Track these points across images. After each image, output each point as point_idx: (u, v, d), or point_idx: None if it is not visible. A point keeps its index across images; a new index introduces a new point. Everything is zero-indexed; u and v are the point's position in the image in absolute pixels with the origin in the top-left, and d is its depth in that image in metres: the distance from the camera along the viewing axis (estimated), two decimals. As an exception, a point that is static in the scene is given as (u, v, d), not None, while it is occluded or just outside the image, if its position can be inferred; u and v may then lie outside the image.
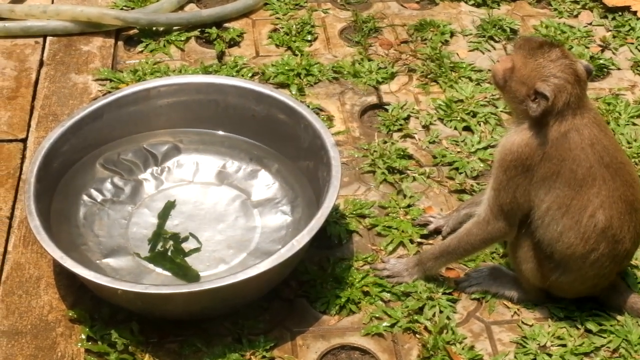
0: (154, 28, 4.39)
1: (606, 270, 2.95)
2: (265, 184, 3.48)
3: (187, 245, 3.26)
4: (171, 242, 3.25)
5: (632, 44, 4.41)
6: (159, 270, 3.16)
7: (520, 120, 2.91)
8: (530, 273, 3.03)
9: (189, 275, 3.14)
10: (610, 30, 4.52)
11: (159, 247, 3.24)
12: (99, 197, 3.40)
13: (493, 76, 2.97)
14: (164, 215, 3.34)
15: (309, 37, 4.40)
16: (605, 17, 4.61)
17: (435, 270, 3.16)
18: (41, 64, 4.17)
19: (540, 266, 2.99)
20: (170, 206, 3.38)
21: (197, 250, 3.24)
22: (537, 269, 3.01)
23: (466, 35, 4.46)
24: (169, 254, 3.21)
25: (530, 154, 2.84)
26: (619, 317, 3.08)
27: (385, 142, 3.76)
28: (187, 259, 3.21)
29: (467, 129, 3.87)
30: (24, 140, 3.73)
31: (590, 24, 4.57)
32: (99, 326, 2.99)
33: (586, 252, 2.89)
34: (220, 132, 3.60)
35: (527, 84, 2.83)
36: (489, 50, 4.35)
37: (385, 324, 3.06)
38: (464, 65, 4.20)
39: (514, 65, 2.88)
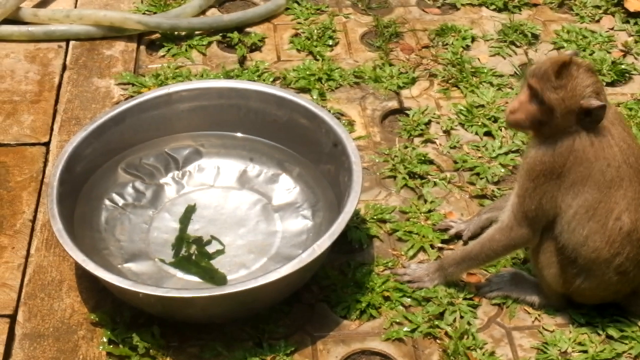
0: (176, 32, 4.41)
1: (629, 275, 2.94)
2: (286, 188, 3.49)
3: (210, 249, 3.27)
4: (194, 246, 3.26)
5: (655, 49, 4.41)
6: (180, 274, 3.18)
7: (553, 137, 2.86)
8: (552, 279, 3.02)
9: (216, 278, 3.15)
10: (632, 35, 4.50)
11: (182, 251, 3.25)
12: (121, 202, 3.42)
13: (516, 124, 2.92)
14: (185, 219, 3.36)
15: (330, 42, 4.40)
16: (627, 22, 4.59)
17: (457, 275, 3.16)
18: (64, 68, 4.20)
19: (564, 272, 2.98)
20: (191, 210, 3.39)
21: (221, 252, 3.25)
22: (559, 275, 2.99)
23: (487, 40, 4.45)
24: (194, 258, 3.22)
25: (563, 161, 2.82)
26: (640, 324, 3.08)
27: (406, 147, 3.76)
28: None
29: (488, 134, 3.86)
30: (46, 144, 3.76)
31: (612, 29, 4.56)
32: (120, 329, 3.00)
33: (611, 256, 2.88)
34: (242, 136, 3.61)
35: (573, 110, 2.78)
36: (510, 56, 4.35)
37: (405, 329, 3.06)
38: (485, 70, 4.20)
39: (552, 106, 2.80)
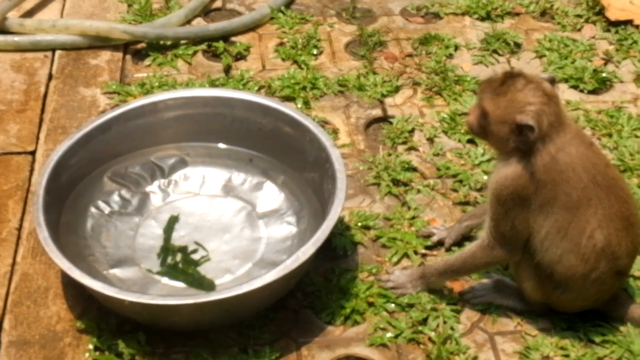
0: (162, 42, 4.43)
1: (606, 286, 2.98)
2: (271, 196, 3.51)
3: (195, 256, 3.29)
4: (180, 255, 3.28)
5: (635, 57, 4.45)
6: (165, 280, 3.19)
7: (507, 155, 2.89)
8: (531, 291, 3.07)
9: (205, 284, 3.17)
10: (613, 44, 4.55)
11: (169, 260, 3.27)
12: (107, 209, 3.44)
13: (470, 128, 2.99)
14: (168, 229, 3.37)
15: (315, 51, 4.44)
16: (608, 30, 4.64)
17: (438, 284, 3.19)
18: (50, 77, 4.22)
19: (542, 285, 3.01)
20: (174, 220, 3.41)
21: (207, 259, 3.27)
22: (538, 287, 3.03)
23: (470, 49, 4.49)
24: (180, 266, 3.24)
25: (525, 184, 2.83)
26: (621, 328, 3.10)
27: (389, 155, 3.80)
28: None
29: (471, 141, 3.89)
30: (32, 153, 3.77)
31: (594, 37, 4.61)
32: (106, 336, 3.02)
33: (587, 272, 2.91)
34: (226, 145, 3.63)
35: (507, 121, 2.82)
36: (492, 64, 4.39)
37: (389, 334, 3.08)
38: (468, 79, 4.24)
39: (486, 110, 2.88)
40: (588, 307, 3.10)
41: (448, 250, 3.37)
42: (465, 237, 3.37)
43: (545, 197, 2.84)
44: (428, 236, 3.42)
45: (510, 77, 2.86)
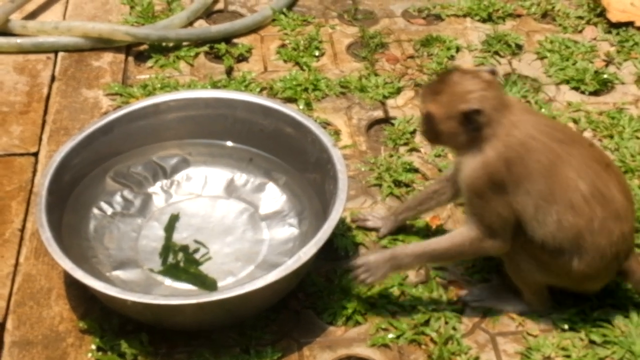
0: (164, 44, 4.45)
1: (615, 237, 2.90)
2: (273, 197, 3.52)
3: (196, 255, 3.30)
4: (182, 254, 3.29)
5: (636, 58, 4.46)
6: (168, 282, 3.20)
7: (467, 149, 2.89)
8: (541, 277, 3.03)
9: (207, 283, 3.17)
10: (614, 45, 4.56)
11: (170, 260, 3.28)
12: (109, 210, 3.45)
13: (427, 138, 3.03)
14: (169, 228, 3.38)
15: (317, 53, 4.45)
16: (610, 32, 4.65)
17: (408, 267, 3.12)
18: (53, 79, 4.23)
19: (552, 264, 2.95)
20: (174, 219, 3.41)
21: (208, 258, 3.28)
22: (547, 270, 2.98)
23: (472, 51, 4.50)
24: (182, 265, 3.25)
25: (496, 169, 2.83)
26: (623, 329, 3.10)
27: (391, 156, 3.80)
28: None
29: (472, 142, 3.90)
30: (35, 154, 3.78)
31: (595, 39, 4.62)
32: (108, 337, 3.03)
33: (588, 224, 2.86)
34: (229, 145, 3.64)
35: (453, 115, 2.85)
36: (494, 65, 4.39)
37: (391, 335, 3.09)
38: (470, 80, 4.24)
39: (431, 113, 2.90)
40: (610, 275, 3.03)
41: (382, 238, 3.41)
42: (400, 229, 3.39)
43: (519, 174, 2.83)
44: (363, 222, 3.45)
45: (446, 73, 2.90)
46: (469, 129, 2.84)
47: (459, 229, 3.04)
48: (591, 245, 2.91)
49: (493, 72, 2.93)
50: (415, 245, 3.11)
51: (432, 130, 2.93)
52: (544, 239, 2.91)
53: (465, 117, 2.82)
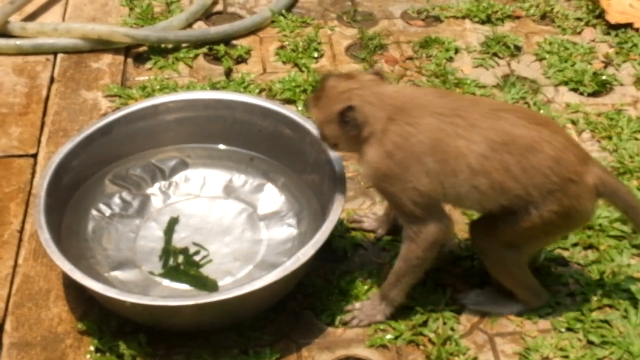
0: (163, 45, 4.45)
1: (545, 163, 2.82)
2: (272, 198, 3.52)
3: (196, 257, 3.30)
4: (181, 256, 3.29)
5: (635, 60, 4.46)
6: (166, 282, 3.20)
7: (362, 147, 2.90)
8: (513, 259, 3.01)
9: (208, 285, 3.17)
10: (613, 47, 4.56)
11: (170, 262, 3.28)
12: (108, 212, 3.45)
13: (329, 147, 3.09)
14: (168, 231, 3.38)
15: (316, 54, 4.45)
16: (608, 33, 4.65)
17: (401, 297, 3.09)
18: (52, 80, 4.24)
19: (513, 234, 2.92)
20: (173, 222, 3.41)
21: (208, 260, 3.28)
22: (513, 245, 2.96)
23: (470, 52, 4.51)
24: (182, 267, 3.25)
25: (382, 163, 2.85)
26: (621, 329, 3.10)
27: (390, 157, 3.80)
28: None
29: (471, 144, 3.89)
30: (34, 156, 3.79)
31: (594, 40, 4.62)
32: (107, 338, 3.03)
33: (504, 173, 2.80)
34: (227, 147, 3.64)
35: (332, 119, 2.90)
36: (493, 67, 4.40)
37: (389, 336, 3.09)
38: (468, 82, 4.24)
39: (316, 121, 2.98)
40: (585, 193, 2.89)
41: (380, 239, 3.41)
42: (398, 228, 3.31)
43: (405, 161, 2.83)
44: (358, 223, 3.46)
45: (323, 79, 2.96)
46: (350, 129, 2.87)
47: (402, 245, 3.01)
48: (528, 188, 2.83)
49: (377, 73, 2.97)
50: (390, 275, 3.08)
51: (325, 137, 2.99)
52: (485, 210, 2.91)
53: (341, 117, 2.86)
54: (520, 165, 2.81)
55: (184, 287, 3.19)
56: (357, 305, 3.16)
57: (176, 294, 3.14)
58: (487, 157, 2.81)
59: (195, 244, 3.33)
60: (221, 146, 3.64)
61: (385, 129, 2.85)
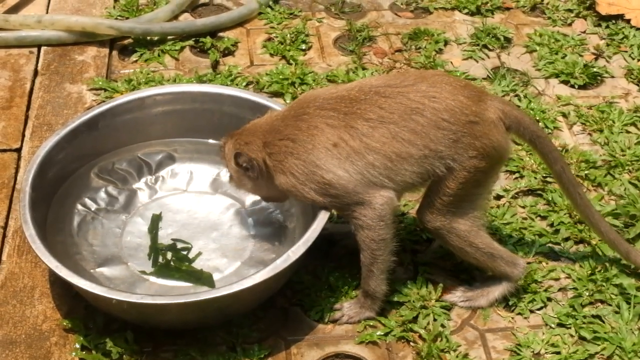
0: (149, 37, 4.40)
1: (443, 110, 2.87)
2: (260, 193, 3.49)
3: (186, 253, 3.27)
4: (170, 253, 3.24)
5: (626, 52, 4.44)
6: (153, 279, 3.16)
7: (272, 181, 3.00)
8: (468, 226, 3.02)
9: (203, 278, 3.14)
10: (604, 39, 4.54)
11: (160, 260, 3.23)
12: (93, 206, 3.41)
13: (265, 200, 3.29)
14: (153, 228, 3.33)
15: (303, 46, 4.41)
16: (599, 25, 4.63)
17: (382, 286, 3.05)
18: (35, 73, 4.18)
19: (453, 201, 2.97)
20: (156, 219, 3.36)
21: (198, 253, 3.24)
22: (458, 212, 2.99)
23: (460, 44, 4.47)
24: (172, 264, 3.20)
25: (293, 166, 2.92)
26: (613, 324, 3.09)
27: (379, 151, 3.77)
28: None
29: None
30: (18, 150, 3.74)
31: (584, 32, 4.60)
32: (93, 335, 2.99)
33: (402, 136, 2.86)
34: (215, 141, 3.60)
35: (234, 170, 3.08)
36: (482, 59, 4.37)
37: (379, 332, 3.06)
38: (458, 74, 4.21)
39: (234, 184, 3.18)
40: (492, 129, 2.92)
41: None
42: None
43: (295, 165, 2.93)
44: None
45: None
46: (252, 171, 3.01)
47: (356, 236, 3.00)
48: (430, 145, 2.86)
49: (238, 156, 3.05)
50: (362, 272, 3.06)
51: (245, 185, 3.13)
52: (407, 185, 2.94)
53: (240, 165, 3.03)
54: (407, 129, 2.85)
55: (172, 283, 3.15)
56: (346, 304, 3.13)
57: (163, 291, 3.10)
58: (366, 135, 2.85)
59: (175, 239, 3.28)
60: (210, 140, 3.60)
61: (268, 153, 2.96)
